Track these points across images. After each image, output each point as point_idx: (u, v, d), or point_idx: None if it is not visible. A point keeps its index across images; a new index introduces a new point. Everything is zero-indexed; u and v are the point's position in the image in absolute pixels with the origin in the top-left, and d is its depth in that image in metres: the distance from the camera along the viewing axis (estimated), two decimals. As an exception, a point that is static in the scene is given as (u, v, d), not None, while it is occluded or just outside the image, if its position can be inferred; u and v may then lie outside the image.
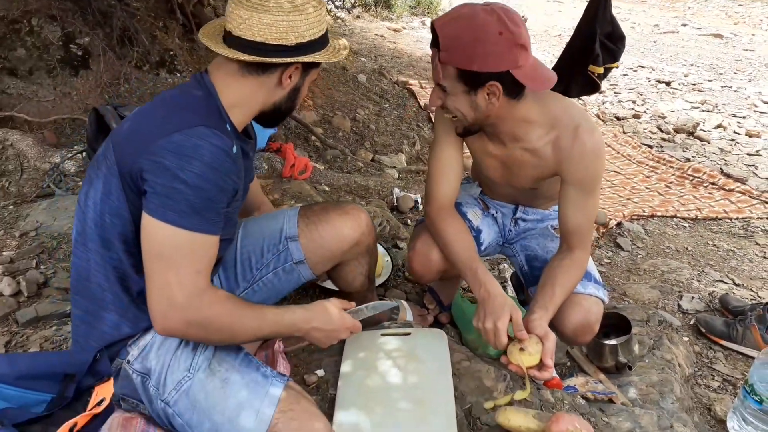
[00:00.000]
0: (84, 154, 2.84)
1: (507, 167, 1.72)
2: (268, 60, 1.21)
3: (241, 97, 1.27)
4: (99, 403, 1.25)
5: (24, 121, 3.14)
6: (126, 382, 1.29)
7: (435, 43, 1.45)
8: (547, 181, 1.75)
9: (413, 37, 7.63)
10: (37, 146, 2.85)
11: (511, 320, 1.48)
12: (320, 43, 1.27)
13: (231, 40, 1.22)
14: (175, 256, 1.15)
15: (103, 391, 1.26)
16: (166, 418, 1.28)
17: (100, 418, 1.27)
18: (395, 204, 3.15)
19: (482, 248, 1.90)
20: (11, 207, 2.50)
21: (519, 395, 1.51)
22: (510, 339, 1.49)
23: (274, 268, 1.60)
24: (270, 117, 1.36)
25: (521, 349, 1.44)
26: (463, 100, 1.49)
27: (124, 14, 3.64)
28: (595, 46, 2.83)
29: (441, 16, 1.46)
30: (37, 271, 2.09)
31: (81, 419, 1.20)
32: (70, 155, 2.80)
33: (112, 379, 1.28)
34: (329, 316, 1.37)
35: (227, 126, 1.25)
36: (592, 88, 2.98)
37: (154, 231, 1.15)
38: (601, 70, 2.88)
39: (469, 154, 1.85)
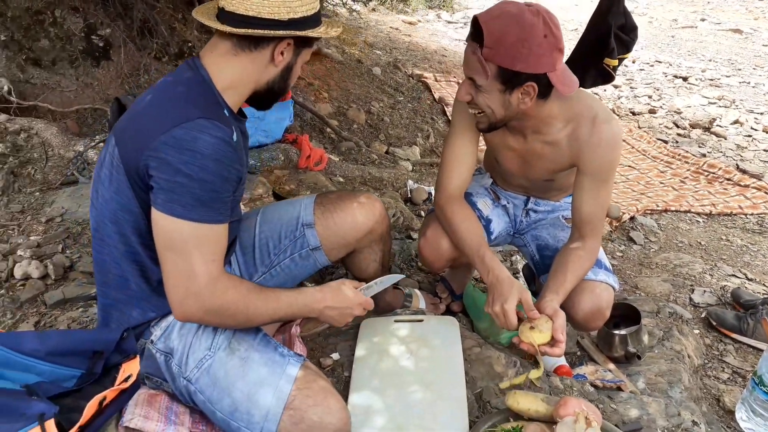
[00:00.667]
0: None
1: (525, 160, 1.75)
2: (261, 32, 1.23)
3: (234, 76, 1.29)
4: (126, 379, 1.30)
5: (47, 111, 3.22)
6: (150, 361, 1.36)
7: (477, 38, 1.43)
8: (562, 173, 1.77)
9: (428, 31, 7.63)
10: (61, 135, 2.93)
11: (520, 302, 1.51)
12: (312, 21, 1.29)
13: (224, 15, 1.24)
14: (186, 247, 1.19)
15: (130, 368, 1.31)
16: (188, 395, 1.34)
17: (128, 394, 1.33)
18: (409, 196, 3.19)
19: (492, 237, 1.93)
20: (37, 194, 2.57)
21: (533, 374, 1.53)
22: (521, 321, 1.51)
23: (291, 254, 1.64)
24: (264, 97, 1.37)
25: (531, 328, 1.46)
26: (496, 97, 1.50)
27: (144, 6, 3.69)
28: (610, 40, 2.84)
29: (485, 11, 1.44)
30: (63, 255, 2.16)
31: (110, 393, 1.26)
32: (92, 144, 2.87)
33: (138, 357, 1.34)
34: (341, 294, 1.40)
35: (224, 111, 1.28)
36: (605, 78, 3.00)
37: (164, 225, 1.19)
38: (616, 62, 2.89)
39: (482, 145, 1.88)
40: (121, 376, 1.31)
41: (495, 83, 1.46)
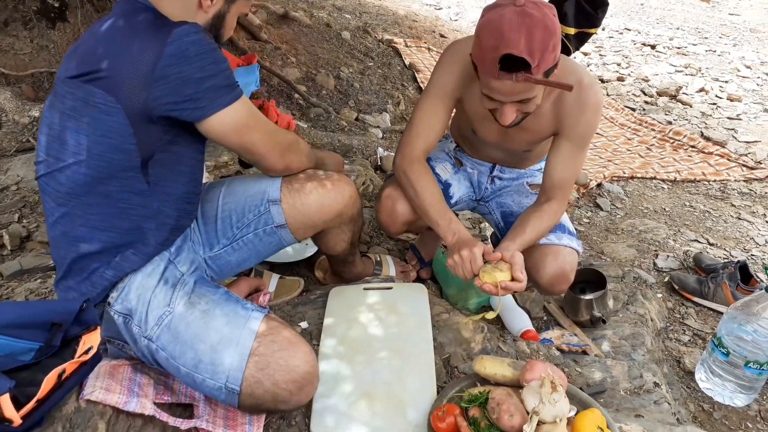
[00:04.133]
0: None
1: (505, 132, 1.71)
2: None
3: (172, 17, 1.26)
4: (86, 351, 1.26)
5: (0, 75, 3.07)
6: (109, 324, 1.33)
7: (519, 67, 1.34)
8: (541, 143, 1.77)
9: (399, -5, 7.49)
10: (15, 100, 2.81)
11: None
12: None
13: None
14: (255, 121, 1.32)
15: (90, 340, 1.27)
16: (150, 355, 1.31)
17: (88, 366, 1.29)
18: (379, 164, 3.16)
19: (452, 202, 1.92)
20: (-10, 161, 2.47)
21: (489, 315, 1.51)
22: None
23: (255, 229, 1.59)
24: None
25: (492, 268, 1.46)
26: (540, 95, 1.47)
27: (102, -35, 3.54)
28: (564, 2, 2.72)
29: (503, 36, 1.32)
30: (20, 225, 2.09)
31: (69, 366, 1.22)
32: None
33: (98, 328, 1.30)
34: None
35: None
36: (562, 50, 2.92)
37: (224, 121, 1.27)
38: (572, 31, 2.78)
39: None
40: (81, 348, 1.26)
41: (540, 87, 1.43)
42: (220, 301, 1.32)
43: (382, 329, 1.63)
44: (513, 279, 1.46)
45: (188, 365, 1.27)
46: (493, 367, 1.42)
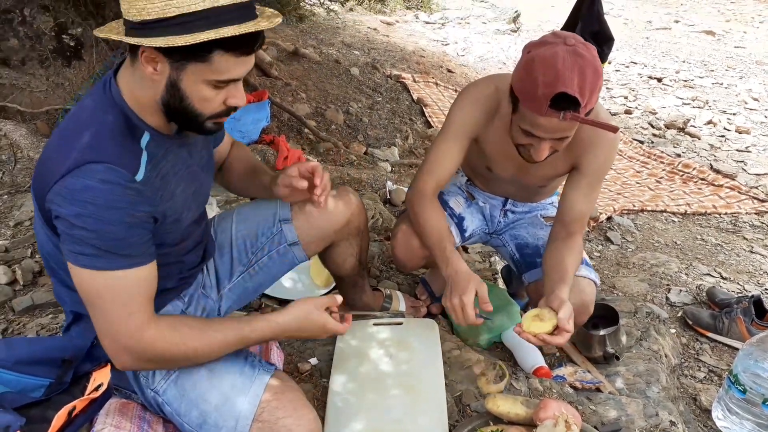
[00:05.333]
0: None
1: (522, 168, 1.73)
2: (104, 35, 1.08)
3: (134, 92, 1.13)
4: (97, 388, 1.26)
5: (17, 112, 3.14)
6: (118, 373, 1.31)
7: (570, 106, 1.34)
8: (557, 179, 1.78)
9: (406, 31, 7.63)
10: (31, 136, 2.86)
11: (477, 295, 1.49)
12: (183, 24, 1.01)
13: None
14: (102, 301, 1.11)
15: (101, 376, 1.27)
16: (157, 406, 1.30)
17: (98, 403, 1.29)
18: (388, 197, 3.18)
19: (467, 235, 1.93)
20: (5, 197, 2.50)
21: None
22: (523, 313, 1.49)
23: (269, 251, 1.61)
24: (175, 118, 1.16)
25: (536, 316, 1.43)
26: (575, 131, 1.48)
27: (117, 4, 3.63)
28: None
29: (558, 75, 1.32)
30: (32, 260, 2.10)
31: (79, 403, 1.21)
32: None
33: (109, 364, 1.30)
34: (306, 323, 1.29)
35: (143, 136, 1.14)
36: None
37: (77, 276, 1.10)
38: None
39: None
40: (91, 385, 1.26)
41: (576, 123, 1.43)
42: (228, 358, 1.29)
43: (393, 366, 1.62)
44: (557, 328, 1.42)
45: (192, 424, 1.26)
46: (506, 405, 1.40)
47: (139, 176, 1.10)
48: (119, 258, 1.09)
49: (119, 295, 1.11)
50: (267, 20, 1.09)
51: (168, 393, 1.27)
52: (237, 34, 1.02)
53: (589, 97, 1.36)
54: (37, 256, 2.13)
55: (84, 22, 3.54)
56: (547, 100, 1.34)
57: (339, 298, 1.35)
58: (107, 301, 1.11)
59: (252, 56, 1.11)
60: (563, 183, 1.78)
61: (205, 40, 1.00)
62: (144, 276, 1.14)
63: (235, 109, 1.17)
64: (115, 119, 1.12)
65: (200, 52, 1.03)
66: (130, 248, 1.11)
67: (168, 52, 1.03)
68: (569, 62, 1.33)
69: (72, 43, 3.49)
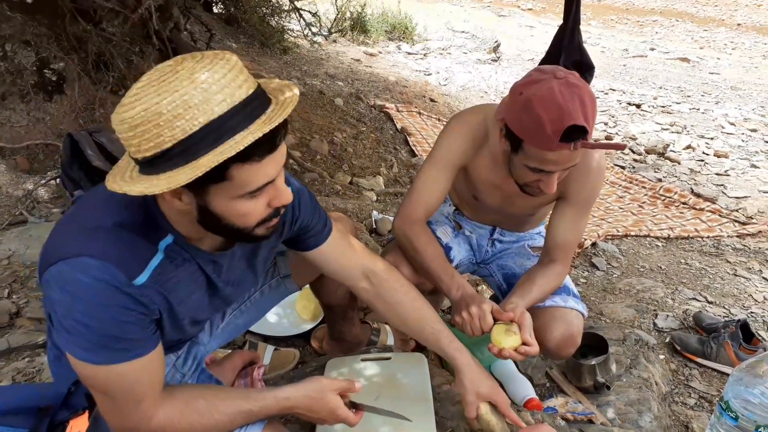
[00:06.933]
0: (58, 180, 2.81)
1: (508, 197, 1.73)
2: (125, 191, 0.93)
3: (168, 213, 1.05)
4: (74, 437, 1.21)
5: (-4, 147, 3.10)
6: (96, 422, 1.25)
7: (578, 136, 1.35)
8: (545, 207, 1.78)
9: (389, 62, 7.72)
10: (10, 172, 2.82)
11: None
12: (194, 145, 0.89)
13: None
14: (105, 390, 1.04)
15: (78, 424, 1.22)
16: None
17: (75, 452, 1.24)
18: (374, 227, 3.16)
19: (453, 265, 1.91)
20: (-18, 235, 2.45)
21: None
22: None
23: (261, 286, 1.58)
24: (220, 235, 1.08)
25: (507, 331, 1.46)
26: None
27: (100, 39, 3.63)
28: None
29: (564, 110, 1.33)
30: (9, 300, 2.05)
31: (55, 454, 1.17)
32: (43, 182, 2.77)
33: (87, 412, 1.25)
34: (320, 402, 1.22)
35: (165, 234, 1.05)
36: None
37: (75, 364, 1.02)
38: None
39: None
40: (68, 434, 1.22)
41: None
42: None
43: (382, 403, 1.58)
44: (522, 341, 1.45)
45: None
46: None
47: (140, 280, 1.00)
48: (117, 352, 1.01)
49: (124, 387, 1.04)
50: (280, 106, 0.94)
51: None
52: (242, 147, 0.89)
53: (592, 123, 1.38)
54: (14, 297, 2.08)
55: (66, 57, 3.53)
56: (557, 136, 1.34)
57: (358, 385, 1.27)
58: (111, 391, 1.05)
59: (280, 149, 0.97)
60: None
61: (209, 168, 0.88)
62: (148, 363, 1.06)
63: (284, 207, 1.05)
64: (132, 217, 1.02)
65: (215, 175, 0.92)
66: (128, 342, 1.02)
67: (184, 185, 0.91)
68: (567, 95, 1.34)
69: (54, 78, 3.47)
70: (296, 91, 0.98)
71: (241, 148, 0.88)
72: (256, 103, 0.93)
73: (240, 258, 1.24)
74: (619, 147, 1.42)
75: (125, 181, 0.95)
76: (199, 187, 0.93)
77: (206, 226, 1.03)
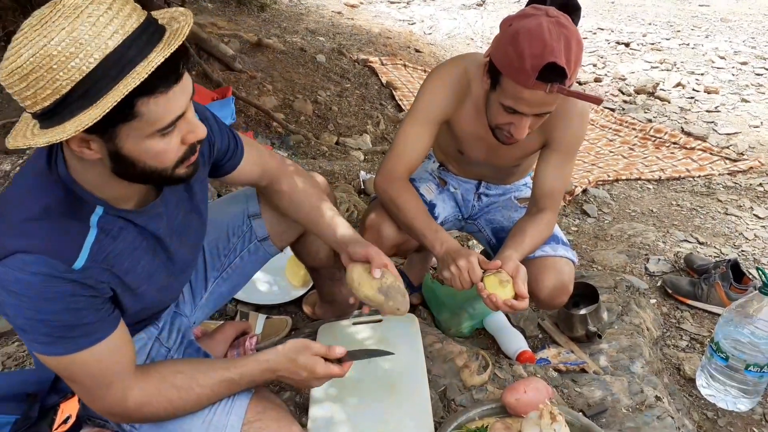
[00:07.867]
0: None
1: (493, 149, 1.69)
2: (30, 145, 0.89)
3: (81, 173, 0.99)
4: (65, 421, 1.22)
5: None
6: (91, 409, 1.26)
7: (556, 77, 1.32)
8: (530, 157, 1.75)
9: (371, 13, 7.52)
10: (-14, 152, 2.76)
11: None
12: (94, 86, 0.85)
13: None
14: (76, 379, 1.04)
15: (69, 408, 1.23)
16: None
17: (68, 436, 1.25)
18: (362, 187, 3.13)
19: (438, 222, 1.89)
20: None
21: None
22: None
23: (240, 252, 1.56)
24: (140, 182, 1.03)
25: (500, 281, 1.43)
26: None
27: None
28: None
29: (546, 47, 1.29)
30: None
31: (48, 439, 1.18)
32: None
33: (76, 395, 1.25)
34: (297, 364, 1.20)
35: (93, 207, 1.01)
36: None
37: (39, 358, 1.02)
38: None
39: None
40: (59, 418, 1.22)
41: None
42: None
43: (374, 365, 1.59)
44: (516, 293, 1.43)
45: None
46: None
47: (79, 263, 0.97)
48: (76, 340, 0.99)
49: (91, 372, 1.03)
50: (176, 33, 0.90)
51: (144, 426, 1.22)
52: (146, 75, 0.85)
53: (574, 69, 1.34)
54: None
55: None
56: (535, 72, 1.31)
57: (340, 350, 1.24)
58: (80, 378, 1.04)
59: (185, 79, 0.94)
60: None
61: (114, 104, 0.84)
62: (112, 345, 1.04)
63: (199, 142, 1.02)
64: (55, 198, 0.98)
65: (122, 113, 0.87)
66: (84, 328, 1.00)
67: (90, 129, 0.86)
68: (555, 33, 1.31)
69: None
70: (190, 19, 0.95)
71: (145, 76, 0.85)
72: (150, 30, 0.89)
73: (177, 205, 1.20)
74: (596, 101, 1.38)
75: (27, 137, 0.90)
76: (107, 129, 0.89)
77: (122, 175, 0.98)
